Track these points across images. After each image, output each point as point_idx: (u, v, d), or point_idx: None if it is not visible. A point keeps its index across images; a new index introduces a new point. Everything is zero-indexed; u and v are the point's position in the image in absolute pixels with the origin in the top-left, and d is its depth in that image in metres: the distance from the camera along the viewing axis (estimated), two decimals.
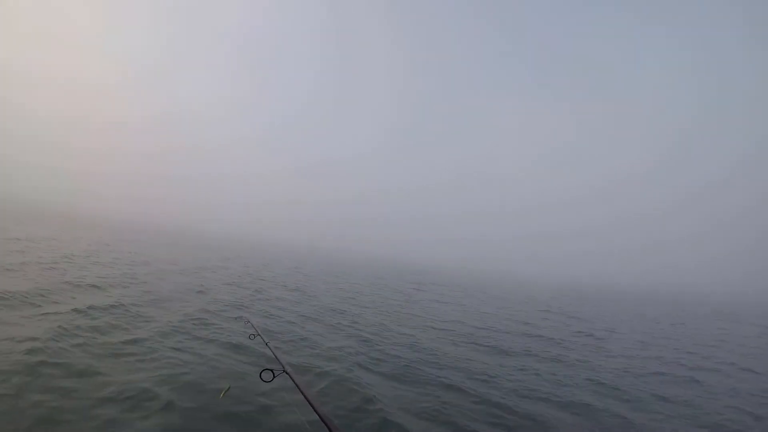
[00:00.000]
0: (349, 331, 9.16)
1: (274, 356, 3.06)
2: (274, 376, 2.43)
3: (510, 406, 5.45)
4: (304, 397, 2.13)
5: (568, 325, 15.04)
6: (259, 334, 3.87)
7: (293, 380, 2.41)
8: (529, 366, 7.93)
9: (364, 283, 23.62)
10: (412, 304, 16.16)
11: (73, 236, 23.85)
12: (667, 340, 13.44)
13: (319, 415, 1.87)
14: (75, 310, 6.94)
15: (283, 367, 2.61)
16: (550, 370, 7.74)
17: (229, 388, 4.01)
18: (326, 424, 1.73)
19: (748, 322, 23.86)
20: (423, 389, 5.70)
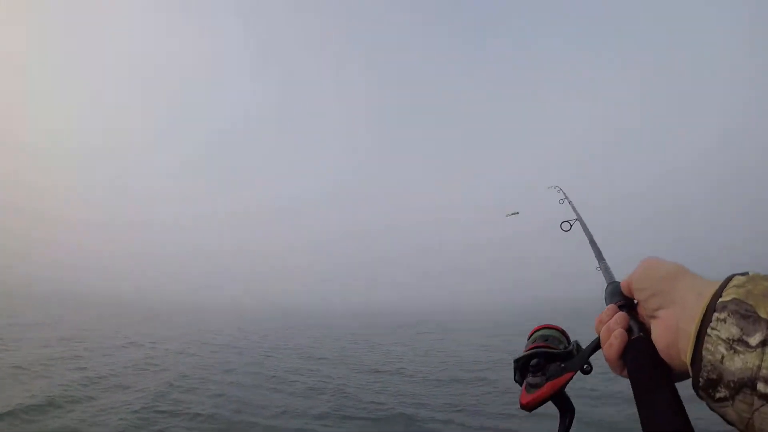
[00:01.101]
0: None
1: (572, 209, 2.84)
2: (571, 226, 2.47)
3: None
4: (591, 246, 1.86)
5: None
6: (568, 200, 3.48)
7: (585, 229, 2.23)
8: None
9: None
10: None
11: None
12: None
13: (600, 264, 1.46)
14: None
15: (578, 217, 2.52)
16: None
17: (518, 213, 4.49)
18: (604, 273, 1.32)
19: None
20: None
